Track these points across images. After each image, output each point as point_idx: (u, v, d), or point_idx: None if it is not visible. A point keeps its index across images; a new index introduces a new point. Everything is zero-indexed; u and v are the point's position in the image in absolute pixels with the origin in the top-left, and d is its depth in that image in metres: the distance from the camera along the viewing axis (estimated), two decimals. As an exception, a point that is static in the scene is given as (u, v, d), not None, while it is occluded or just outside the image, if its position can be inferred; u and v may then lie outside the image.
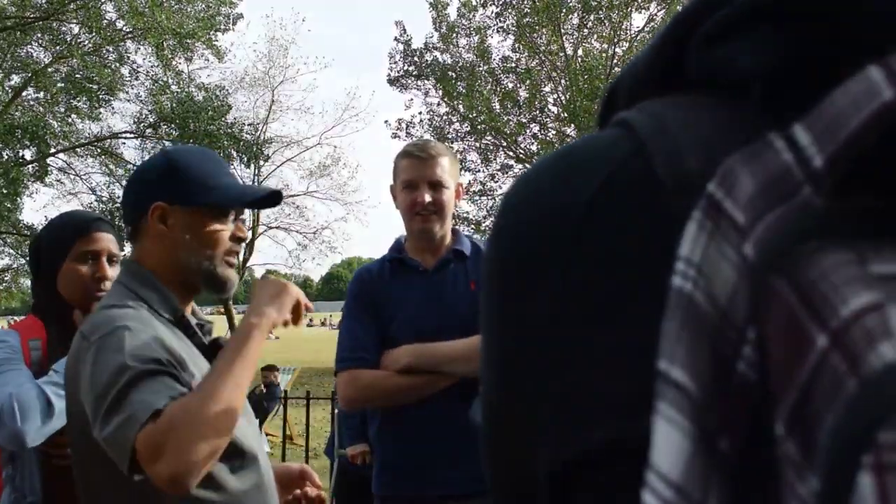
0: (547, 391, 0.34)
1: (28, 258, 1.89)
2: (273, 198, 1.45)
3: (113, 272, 1.79)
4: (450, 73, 18.06)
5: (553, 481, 0.34)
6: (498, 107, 17.84)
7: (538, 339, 0.35)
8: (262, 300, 1.32)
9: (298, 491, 1.54)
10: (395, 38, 18.69)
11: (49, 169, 17.29)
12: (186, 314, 1.37)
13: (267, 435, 7.14)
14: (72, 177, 18.89)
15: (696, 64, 0.35)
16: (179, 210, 1.34)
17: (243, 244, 1.44)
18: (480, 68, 17.83)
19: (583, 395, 0.33)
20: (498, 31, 17.88)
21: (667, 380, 0.26)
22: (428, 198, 1.88)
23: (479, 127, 17.65)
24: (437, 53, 18.34)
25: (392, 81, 18.93)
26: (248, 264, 25.67)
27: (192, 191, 1.34)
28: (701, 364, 0.26)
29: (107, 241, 1.79)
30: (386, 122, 19.88)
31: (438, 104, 18.64)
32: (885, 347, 0.22)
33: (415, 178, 1.91)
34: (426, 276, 1.93)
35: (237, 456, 1.29)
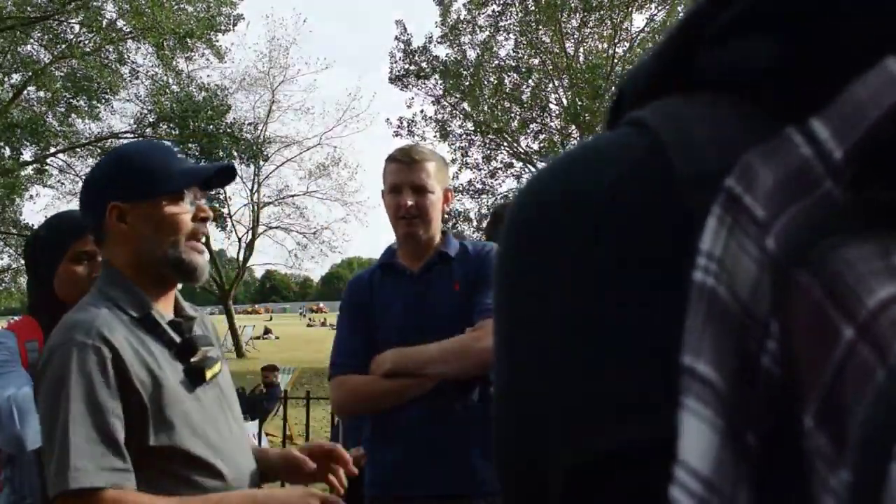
0: (564, 390, 0.34)
1: (25, 258, 1.87)
2: (226, 173, 1.46)
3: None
4: (453, 69, 18.09)
5: (569, 483, 0.33)
6: (503, 103, 17.86)
7: (554, 336, 0.34)
8: (282, 496, 1.35)
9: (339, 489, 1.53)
10: (396, 38, 18.73)
11: (49, 170, 17.32)
12: (156, 311, 1.35)
13: (267, 435, 7.15)
14: (72, 177, 18.94)
15: (706, 63, 0.35)
16: (135, 205, 1.35)
17: (209, 222, 1.45)
18: (484, 65, 17.85)
19: (602, 394, 0.32)
20: (499, 31, 17.92)
21: (692, 375, 0.26)
22: (410, 202, 1.89)
23: (480, 123, 17.67)
24: (440, 50, 18.40)
25: (394, 80, 18.96)
26: (248, 264, 25.70)
27: (143, 183, 1.35)
28: (726, 358, 0.26)
29: (104, 240, 1.78)
30: (387, 120, 19.89)
31: (440, 101, 18.67)
32: None
33: (399, 182, 1.92)
34: (412, 280, 1.94)
35: (203, 471, 1.28)
